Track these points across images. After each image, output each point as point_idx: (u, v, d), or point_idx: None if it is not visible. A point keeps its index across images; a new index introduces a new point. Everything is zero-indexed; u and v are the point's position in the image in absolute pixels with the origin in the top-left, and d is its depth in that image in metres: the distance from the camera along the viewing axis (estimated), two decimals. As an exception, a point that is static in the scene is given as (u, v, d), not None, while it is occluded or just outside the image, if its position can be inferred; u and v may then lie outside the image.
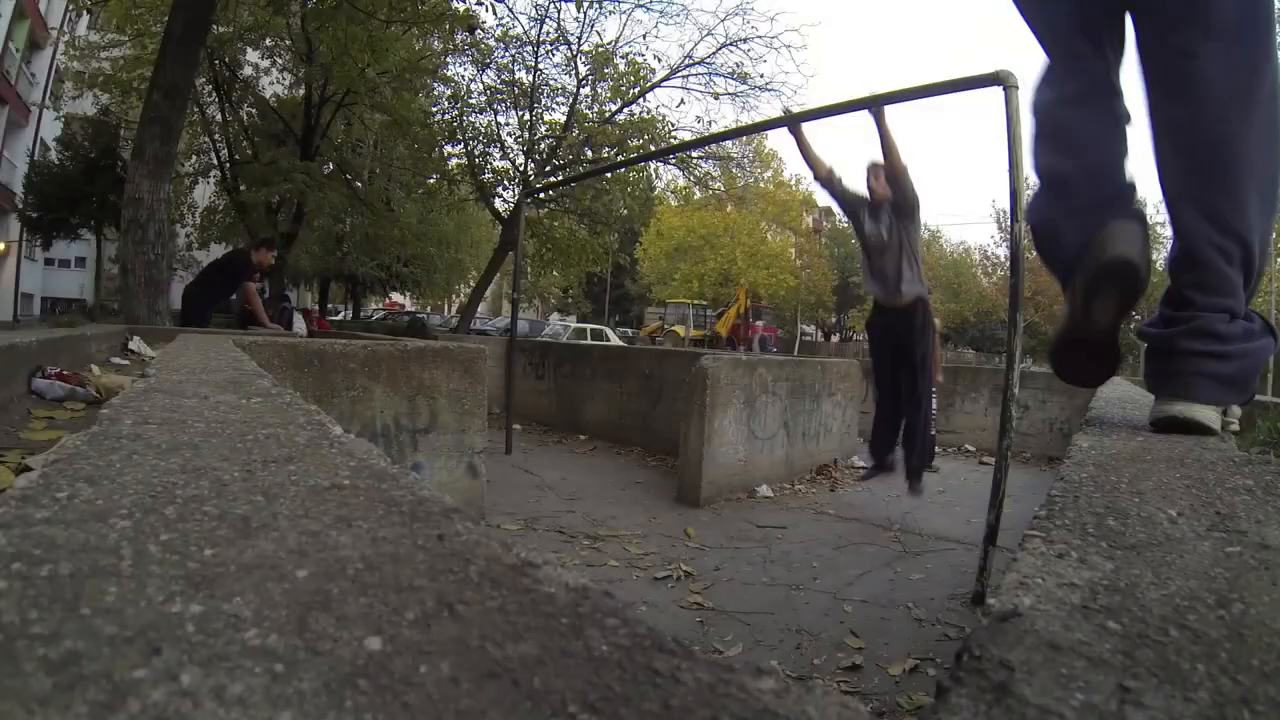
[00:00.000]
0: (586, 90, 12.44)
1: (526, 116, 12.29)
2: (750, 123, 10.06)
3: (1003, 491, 2.50)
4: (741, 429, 4.10)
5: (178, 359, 1.85)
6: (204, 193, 14.57)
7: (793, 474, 4.65)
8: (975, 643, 0.40)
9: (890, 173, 3.19)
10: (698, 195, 17.72)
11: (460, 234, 20.57)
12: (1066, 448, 1.12)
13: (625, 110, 12.45)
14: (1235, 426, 1.26)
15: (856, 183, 3.65)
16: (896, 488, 4.69)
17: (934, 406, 3.72)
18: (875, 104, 2.81)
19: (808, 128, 3.33)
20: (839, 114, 3.13)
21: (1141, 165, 1.21)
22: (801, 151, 3.48)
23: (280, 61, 11.99)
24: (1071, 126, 1.23)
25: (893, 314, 3.55)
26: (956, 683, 0.36)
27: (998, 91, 2.59)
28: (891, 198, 3.29)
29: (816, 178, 3.58)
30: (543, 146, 12.53)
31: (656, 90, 12.62)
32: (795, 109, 3.64)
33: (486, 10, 8.59)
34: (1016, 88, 2.57)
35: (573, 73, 12.30)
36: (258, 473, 0.67)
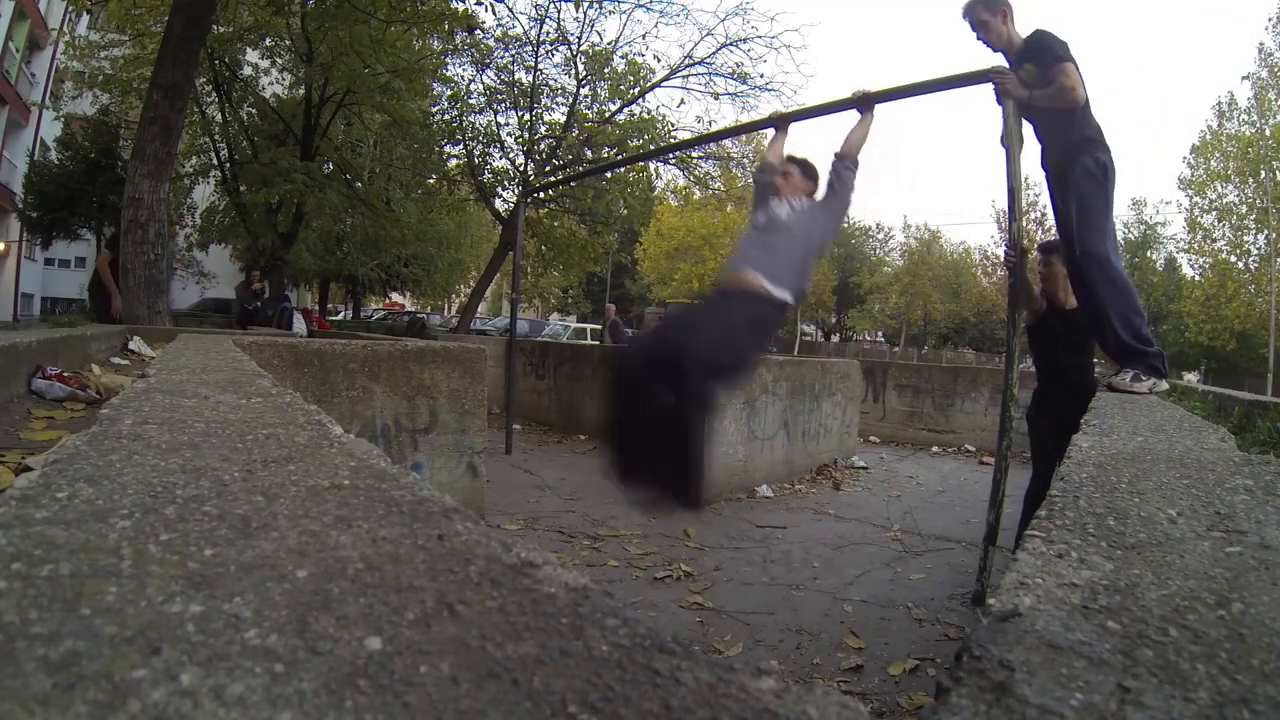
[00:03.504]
0: (586, 90, 12.45)
1: (526, 117, 12.29)
2: (742, 122, 10.04)
3: (1003, 491, 2.50)
4: (741, 429, 4.10)
5: (178, 359, 1.85)
6: (204, 193, 14.57)
7: (793, 474, 4.65)
8: (975, 643, 0.40)
9: (846, 159, 2.58)
10: (698, 195, 17.71)
11: (460, 234, 20.56)
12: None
13: (625, 110, 12.46)
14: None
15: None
16: (896, 488, 4.70)
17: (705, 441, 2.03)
18: (868, 101, 2.78)
19: (801, 130, 3.25)
20: (831, 112, 3.11)
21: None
22: (770, 147, 3.01)
23: (280, 61, 11.97)
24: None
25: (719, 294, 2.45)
26: (956, 683, 0.36)
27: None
28: (830, 193, 2.60)
29: (760, 168, 2.87)
30: (543, 146, 12.53)
31: (656, 90, 12.62)
32: (791, 110, 3.48)
33: (486, 10, 8.56)
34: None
35: (572, 73, 12.32)
36: (258, 473, 0.67)
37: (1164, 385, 2.49)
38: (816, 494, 4.36)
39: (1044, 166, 2.71)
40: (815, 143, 2.67)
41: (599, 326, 24.08)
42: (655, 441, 1.91)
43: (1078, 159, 2.51)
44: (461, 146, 12.84)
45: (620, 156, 11.65)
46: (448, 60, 12.21)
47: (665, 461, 1.91)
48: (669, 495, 1.98)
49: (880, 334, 38.48)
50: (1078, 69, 2.44)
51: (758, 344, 2.27)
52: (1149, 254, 26.59)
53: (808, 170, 2.66)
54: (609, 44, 12.24)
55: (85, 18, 13.58)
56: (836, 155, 2.62)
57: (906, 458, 6.03)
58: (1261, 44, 19.31)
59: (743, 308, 2.20)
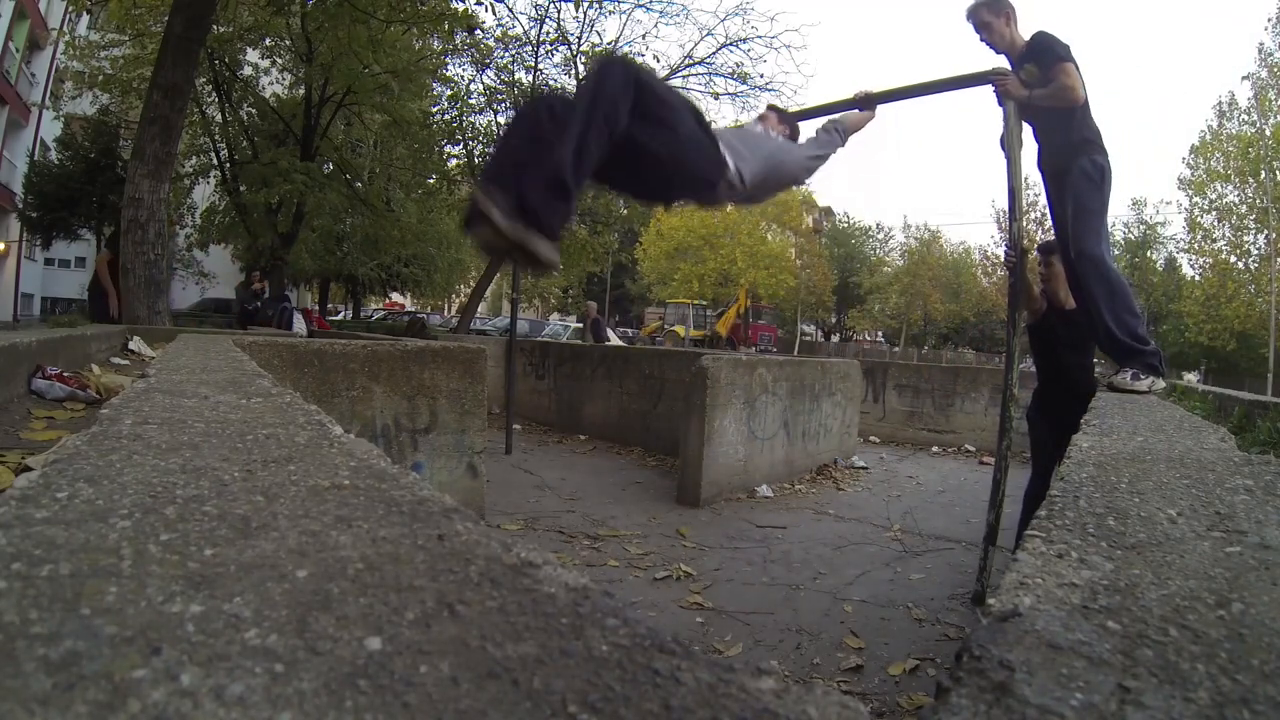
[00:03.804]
0: (586, 90, 12.43)
1: (526, 117, 12.28)
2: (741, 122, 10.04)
3: (1003, 491, 2.50)
4: (741, 429, 4.10)
5: (178, 359, 1.85)
6: (204, 193, 14.57)
7: (793, 474, 4.65)
8: (975, 643, 0.40)
9: (837, 124, 2.68)
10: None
11: (460, 234, 20.54)
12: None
13: (625, 110, 12.43)
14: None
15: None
16: (897, 488, 4.70)
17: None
18: (870, 102, 2.78)
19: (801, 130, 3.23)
20: (832, 112, 3.11)
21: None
22: None
23: (280, 61, 11.97)
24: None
25: None
26: (956, 683, 0.36)
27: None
28: (810, 141, 2.61)
29: None
30: (543, 147, 12.51)
31: (656, 90, 12.63)
32: (790, 110, 3.46)
33: (486, 10, 8.57)
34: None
35: (572, 73, 12.32)
36: (258, 473, 0.67)
37: (1162, 383, 2.50)
38: (816, 494, 4.36)
39: (1041, 169, 2.73)
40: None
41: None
42: (540, 135, 1.55)
43: (1075, 160, 2.52)
44: (461, 146, 12.83)
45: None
46: (448, 60, 12.19)
47: (537, 150, 1.52)
48: (527, 193, 1.58)
49: (880, 334, 38.49)
50: (1078, 70, 2.45)
51: (685, 151, 2.00)
52: (1149, 254, 26.58)
53: (784, 116, 2.63)
54: (609, 44, 12.23)
55: (85, 18, 13.57)
56: (830, 120, 2.61)
57: (906, 458, 6.03)
58: (1261, 44, 19.33)
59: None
